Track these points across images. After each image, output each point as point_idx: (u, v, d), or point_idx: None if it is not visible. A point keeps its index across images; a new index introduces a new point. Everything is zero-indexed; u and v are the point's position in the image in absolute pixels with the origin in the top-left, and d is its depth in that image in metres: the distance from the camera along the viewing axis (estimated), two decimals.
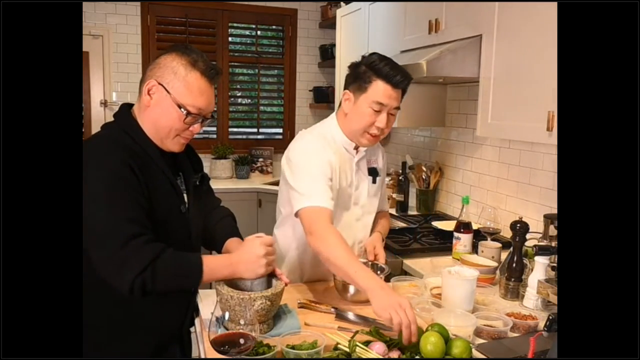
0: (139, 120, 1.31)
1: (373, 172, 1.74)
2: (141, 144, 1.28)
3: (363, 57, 1.61)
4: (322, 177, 1.51)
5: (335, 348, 1.16)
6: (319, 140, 1.60)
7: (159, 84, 1.26)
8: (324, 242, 1.39)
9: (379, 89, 1.52)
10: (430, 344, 1.11)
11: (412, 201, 2.98)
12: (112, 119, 1.36)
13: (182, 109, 1.26)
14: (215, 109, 4.29)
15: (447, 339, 1.15)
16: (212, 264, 1.26)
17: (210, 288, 1.36)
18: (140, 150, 1.27)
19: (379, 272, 1.42)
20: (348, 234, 1.61)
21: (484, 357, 1.19)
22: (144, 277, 1.15)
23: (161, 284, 1.18)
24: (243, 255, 1.29)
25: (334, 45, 3.68)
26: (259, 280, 1.31)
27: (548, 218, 1.74)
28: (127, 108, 1.35)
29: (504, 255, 1.72)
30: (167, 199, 1.30)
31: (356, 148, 1.67)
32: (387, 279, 1.53)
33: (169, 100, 1.26)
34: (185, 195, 1.37)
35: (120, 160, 1.20)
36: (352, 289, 1.34)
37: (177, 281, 1.23)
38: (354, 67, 1.60)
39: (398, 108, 1.59)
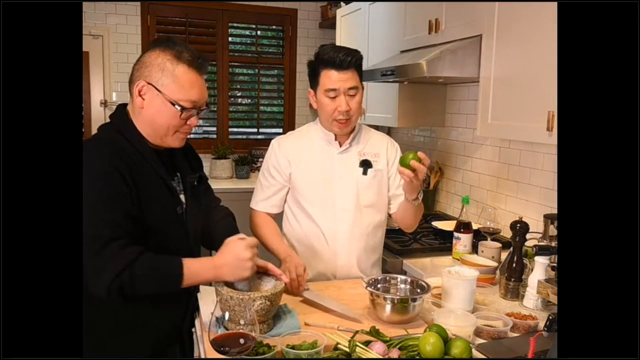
0: (134, 121, 1.30)
1: (364, 164, 1.74)
2: (135, 144, 1.28)
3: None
4: (265, 181, 1.78)
5: (335, 348, 1.16)
6: (282, 141, 1.77)
7: (148, 83, 1.25)
8: (252, 227, 1.77)
9: (326, 77, 1.61)
10: (429, 344, 1.11)
11: None
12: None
13: (176, 106, 1.25)
14: (215, 109, 4.30)
15: (445, 340, 1.15)
16: (194, 267, 1.24)
17: (210, 286, 1.36)
18: (134, 151, 1.26)
19: (419, 291, 1.41)
20: (330, 223, 1.71)
21: (484, 357, 1.19)
22: (122, 280, 1.14)
23: (139, 287, 1.18)
24: (227, 258, 1.26)
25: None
26: (244, 281, 1.30)
27: (548, 218, 1.74)
28: (122, 109, 1.35)
29: (504, 255, 1.71)
30: (161, 200, 1.29)
31: (339, 140, 1.74)
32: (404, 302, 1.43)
33: (161, 98, 1.25)
34: (182, 196, 1.37)
35: (107, 163, 1.19)
36: (388, 309, 1.35)
37: (156, 285, 1.22)
38: (308, 65, 1.70)
39: (356, 88, 1.63)
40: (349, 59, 1.60)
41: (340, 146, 1.74)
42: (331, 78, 1.60)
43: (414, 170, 1.45)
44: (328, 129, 1.73)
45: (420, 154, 1.47)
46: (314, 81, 1.68)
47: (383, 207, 1.80)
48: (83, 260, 1.12)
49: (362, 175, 1.73)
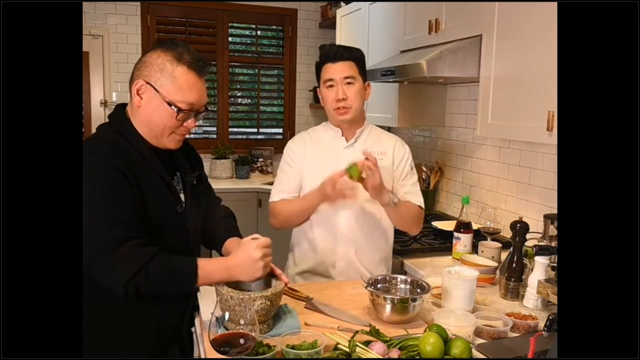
0: (132, 121, 1.30)
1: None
2: (135, 144, 1.28)
3: None
4: (282, 173, 1.83)
5: (335, 348, 1.16)
6: (296, 137, 1.87)
7: (147, 83, 1.25)
8: (276, 215, 1.78)
9: (325, 70, 1.74)
10: (429, 344, 1.11)
11: None
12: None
13: (173, 107, 1.25)
14: (215, 109, 4.28)
15: (445, 340, 1.15)
16: (207, 267, 1.24)
17: (211, 286, 1.36)
18: (133, 151, 1.27)
19: (419, 291, 1.41)
20: (331, 216, 1.74)
21: (484, 357, 1.19)
22: (138, 280, 1.15)
23: (155, 287, 1.18)
24: (239, 259, 1.26)
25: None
26: (258, 281, 1.31)
27: (548, 218, 1.74)
28: (121, 108, 1.35)
29: (504, 255, 1.72)
30: (161, 200, 1.29)
31: (345, 136, 1.79)
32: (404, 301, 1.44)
33: (158, 98, 1.25)
34: (182, 195, 1.37)
35: (110, 163, 1.19)
36: (388, 309, 1.35)
37: (170, 285, 1.23)
38: (315, 67, 1.80)
39: (352, 77, 1.71)
40: (342, 51, 1.72)
41: (347, 141, 1.78)
42: (328, 70, 1.72)
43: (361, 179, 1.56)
44: (333, 121, 1.80)
45: (359, 162, 1.56)
46: (318, 79, 1.78)
47: None
48: (98, 261, 1.14)
49: None
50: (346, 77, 1.69)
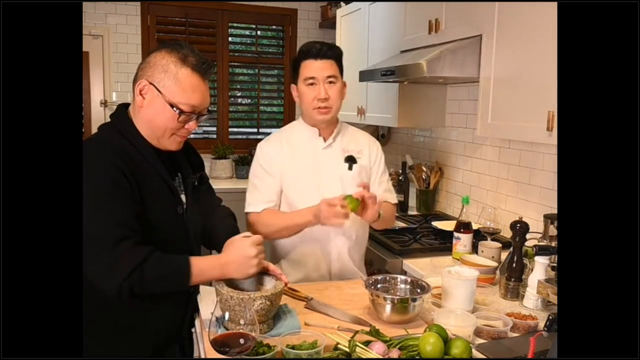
0: (134, 121, 1.30)
1: (349, 160, 1.76)
2: (136, 145, 1.28)
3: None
4: (259, 180, 1.74)
5: (335, 348, 1.16)
6: (270, 137, 1.80)
7: (150, 83, 1.25)
8: (262, 227, 1.67)
9: (305, 67, 1.67)
10: (429, 344, 1.11)
11: (412, 201, 2.99)
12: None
13: (175, 108, 1.25)
14: (215, 109, 4.28)
15: (445, 340, 1.15)
16: (202, 265, 1.25)
17: (211, 286, 1.37)
18: (134, 151, 1.26)
19: (419, 291, 1.41)
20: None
21: (484, 357, 1.19)
22: (132, 280, 1.15)
23: (149, 286, 1.18)
24: (233, 256, 1.27)
25: None
26: (251, 278, 1.31)
27: (548, 218, 1.74)
28: (123, 108, 1.35)
29: (504, 255, 1.72)
30: (162, 201, 1.29)
31: (323, 136, 1.76)
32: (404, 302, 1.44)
33: (161, 100, 1.25)
34: (183, 196, 1.37)
35: (110, 163, 1.19)
36: (388, 309, 1.34)
37: (165, 284, 1.22)
38: (291, 62, 1.77)
39: (334, 77, 1.68)
40: (325, 49, 1.67)
41: (325, 141, 1.76)
42: (309, 67, 1.67)
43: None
44: (310, 120, 1.75)
45: (357, 194, 1.54)
46: (295, 75, 1.73)
47: None
48: (92, 260, 1.13)
49: (348, 170, 1.75)
50: (329, 77, 1.66)
